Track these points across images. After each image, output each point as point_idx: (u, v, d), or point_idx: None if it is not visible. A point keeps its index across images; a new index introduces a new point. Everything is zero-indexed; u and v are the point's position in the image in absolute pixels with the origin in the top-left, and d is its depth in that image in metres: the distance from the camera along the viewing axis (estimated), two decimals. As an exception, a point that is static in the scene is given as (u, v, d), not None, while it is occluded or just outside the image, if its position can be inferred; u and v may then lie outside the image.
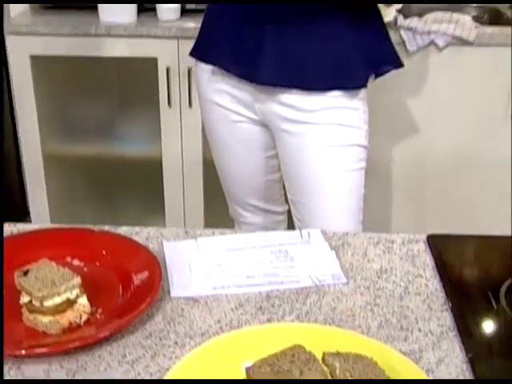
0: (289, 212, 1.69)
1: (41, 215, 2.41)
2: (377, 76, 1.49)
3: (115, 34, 2.16)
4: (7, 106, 2.48)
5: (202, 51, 1.57)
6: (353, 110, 1.46)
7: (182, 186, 2.32)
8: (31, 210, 2.45)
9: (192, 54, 1.59)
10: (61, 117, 2.41)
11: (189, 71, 2.16)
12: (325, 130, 1.45)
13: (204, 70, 1.57)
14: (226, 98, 1.54)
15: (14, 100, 2.31)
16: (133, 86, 2.38)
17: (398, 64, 1.52)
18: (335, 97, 1.43)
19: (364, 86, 1.46)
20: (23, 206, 2.76)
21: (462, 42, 2.09)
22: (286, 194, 1.65)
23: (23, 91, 2.24)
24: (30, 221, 2.49)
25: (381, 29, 1.51)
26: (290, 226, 1.72)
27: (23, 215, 2.72)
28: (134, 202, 2.54)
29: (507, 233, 2.22)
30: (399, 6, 2.15)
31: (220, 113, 1.56)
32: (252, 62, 1.44)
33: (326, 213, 1.51)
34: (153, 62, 2.18)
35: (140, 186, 2.50)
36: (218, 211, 2.27)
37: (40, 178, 2.36)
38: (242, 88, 1.50)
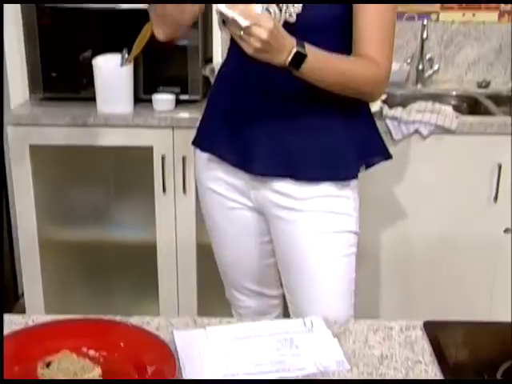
0: (284, 296, 1.74)
1: (34, 300, 2.43)
2: (367, 167, 1.58)
3: (112, 124, 2.24)
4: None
5: (199, 139, 1.66)
6: (344, 199, 1.54)
7: (175, 270, 2.37)
8: (25, 294, 2.47)
9: (193, 142, 1.68)
10: (57, 203, 2.47)
11: (183, 159, 2.24)
12: (317, 217, 1.52)
13: (201, 158, 1.65)
14: (221, 185, 1.61)
15: (12, 186, 2.36)
16: (128, 173, 2.45)
17: (387, 155, 1.61)
18: (327, 186, 1.51)
19: (355, 177, 1.54)
20: (14, 291, 2.79)
21: (444, 130, 2.19)
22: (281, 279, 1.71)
23: (21, 179, 2.30)
24: (22, 304, 2.50)
25: (370, 121, 1.60)
26: (286, 309, 1.76)
27: (13, 300, 2.75)
28: (127, 287, 2.56)
29: (496, 314, 2.30)
30: (384, 96, 2.27)
31: (216, 199, 1.63)
32: (246, 153, 1.52)
33: (318, 297, 1.56)
34: (148, 150, 2.26)
35: (134, 271, 2.53)
36: (211, 296, 2.31)
37: (35, 263, 2.39)
38: (237, 176, 1.57)
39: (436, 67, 2.66)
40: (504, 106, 2.50)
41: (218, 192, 1.63)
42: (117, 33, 2.31)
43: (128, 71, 2.24)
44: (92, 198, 2.48)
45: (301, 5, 1.41)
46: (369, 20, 1.41)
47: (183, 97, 2.33)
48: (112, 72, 2.24)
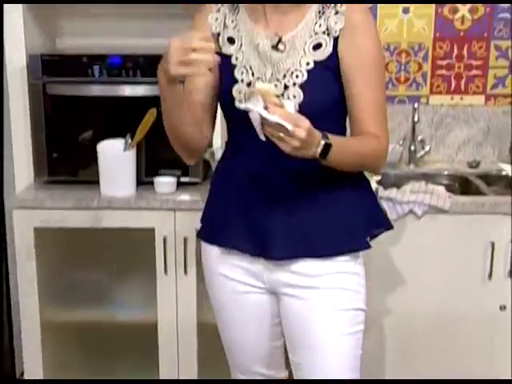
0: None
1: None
2: (371, 238, 1.65)
3: (115, 207, 2.31)
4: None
5: (209, 234, 1.71)
6: (354, 275, 1.61)
7: (176, 350, 2.38)
8: (25, 374, 2.47)
9: (200, 236, 1.74)
10: (60, 283, 2.50)
11: (184, 240, 2.30)
12: (329, 294, 1.59)
13: (213, 249, 1.69)
14: (237, 271, 1.66)
15: (15, 267, 2.40)
16: (130, 254, 2.49)
17: (390, 225, 1.69)
18: (341, 261, 1.58)
19: (368, 247, 1.62)
20: (12, 370, 2.78)
21: (437, 210, 2.27)
22: (286, 359, 1.74)
23: (25, 261, 2.34)
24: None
25: (371, 194, 1.70)
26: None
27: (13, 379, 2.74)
28: (128, 367, 2.57)
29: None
30: (379, 177, 2.35)
31: (229, 285, 1.68)
32: (264, 240, 1.58)
33: (326, 373, 1.60)
34: (150, 232, 2.32)
35: (135, 351, 2.54)
36: (212, 376, 2.33)
37: (36, 344, 2.40)
38: (255, 261, 1.63)
39: (427, 148, 2.77)
40: (494, 186, 2.59)
41: (231, 278, 1.68)
42: (120, 118, 2.41)
43: (131, 156, 2.33)
44: (94, 279, 2.52)
45: (302, 95, 1.52)
46: (366, 102, 1.54)
47: (184, 179, 2.41)
48: (115, 157, 2.32)
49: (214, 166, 2.37)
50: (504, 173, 2.68)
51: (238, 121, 1.53)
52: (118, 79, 2.36)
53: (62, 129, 2.41)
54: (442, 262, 2.32)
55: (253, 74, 1.57)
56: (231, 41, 1.61)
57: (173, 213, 2.30)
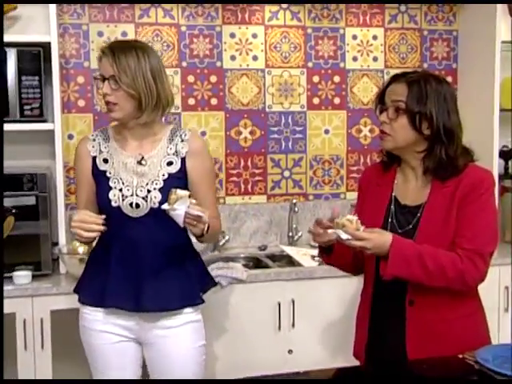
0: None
1: None
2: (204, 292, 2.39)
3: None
4: None
5: (92, 299, 2.31)
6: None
7: (36, 414, 2.86)
8: None
9: (83, 302, 2.35)
10: None
11: (41, 321, 2.83)
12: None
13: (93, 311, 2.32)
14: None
15: None
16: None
17: (215, 283, 2.52)
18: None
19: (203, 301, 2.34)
20: None
21: (238, 280, 3.01)
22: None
23: None
24: None
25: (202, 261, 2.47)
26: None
27: None
28: None
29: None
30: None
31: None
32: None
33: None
34: (11, 316, 2.83)
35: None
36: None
37: None
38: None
39: (227, 237, 3.55)
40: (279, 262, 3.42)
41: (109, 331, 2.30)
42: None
43: (-7, 255, 2.86)
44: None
45: (160, 195, 2.23)
46: (208, 200, 2.31)
47: (37, 272, 2.97)
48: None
49: (63, 261, 2.97)
50: (284, 253, 3.51)
51: (113, 215, 2.21)
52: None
53: None
54: (243, 317, 3.05)
55: (123, 183, 2.26)
56: (106, 161, 2.30)
57: (31, 298, 2.85)
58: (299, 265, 3.27)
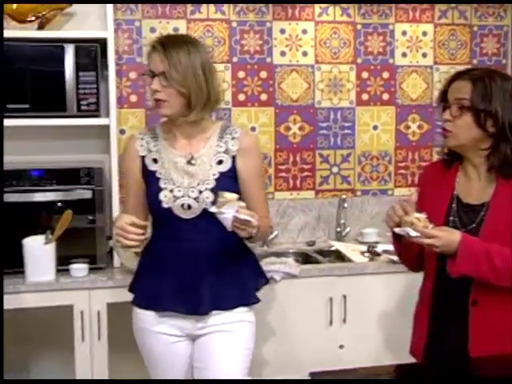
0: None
1: None
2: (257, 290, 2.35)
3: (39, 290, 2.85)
4: None
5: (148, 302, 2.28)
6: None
7: (92, 405, 2.92)
8: None
9: (136, 304, 2.31)
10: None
11: (98, 313, 2.88)
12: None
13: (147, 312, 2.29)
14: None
15: None
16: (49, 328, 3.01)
17: (267, 280, 2.44)
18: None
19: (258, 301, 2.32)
20: None
21: (290, 275, 3.04)
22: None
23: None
24: None
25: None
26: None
27: None
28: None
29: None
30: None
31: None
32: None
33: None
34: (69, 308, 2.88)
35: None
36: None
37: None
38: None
39: (276, 233, 3.57)
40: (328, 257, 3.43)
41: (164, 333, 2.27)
42: (38, 218, 2.99)
43: (51, 248, 2.90)
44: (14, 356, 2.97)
45: (212, 195, 2.16)
46: (257, 199, 2.28)
47: (93, 265, 3.01)
48: (38, 249, 2.89)
49: (118, 254, 3.02)
50: (333, 248, 3.53)
51: (164, 216, 2.22)
52: (36, 188, 2.98)
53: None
54: (295, 312, 3.07)
55: (174, 184, 2.21)
56: (155, 161, 2.26)
57: (88, 291, 2.90)
58: (349, 260, 3.28)
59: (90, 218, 3.01)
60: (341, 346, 3.11)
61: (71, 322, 2.89)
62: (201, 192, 2.21)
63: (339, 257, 3.41)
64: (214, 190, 2.17)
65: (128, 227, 2.08)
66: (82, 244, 3.03)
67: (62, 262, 2.96)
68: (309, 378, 1.91)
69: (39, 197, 2.98)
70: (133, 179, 2.31)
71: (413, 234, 1.96)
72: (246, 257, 2.36)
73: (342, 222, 3.63)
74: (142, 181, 2.29)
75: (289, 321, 3.08)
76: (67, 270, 2.96)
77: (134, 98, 3.42)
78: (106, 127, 3.12)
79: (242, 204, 2.03)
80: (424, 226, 1.97)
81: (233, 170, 2.25)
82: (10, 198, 2.94)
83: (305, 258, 3.45)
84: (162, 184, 2.23)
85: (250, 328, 2.31)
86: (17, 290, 2.84)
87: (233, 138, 2.26)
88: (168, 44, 2.17)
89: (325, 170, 3.67)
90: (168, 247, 2.25)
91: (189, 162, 2.24)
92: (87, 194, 3.00)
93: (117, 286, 2.90)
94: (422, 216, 1.98)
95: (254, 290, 2.33)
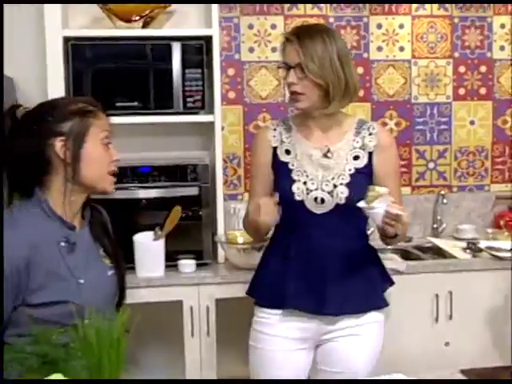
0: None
1: None
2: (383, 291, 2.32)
3: (149, 285, 2.89)
4: None
5: (273, 301, 2.22)
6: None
7: (201, 399, 2.95)
8: None
9: (260, 304, 2.25)
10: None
11: (207, 309, 2.90)
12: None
13: (270, 314, 2.23)
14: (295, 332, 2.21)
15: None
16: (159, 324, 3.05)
17: (393, 282, 2.38)
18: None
19: (387, 304, 2.28)
20: None
21: (395, 271, 3.02)
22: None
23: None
24: None
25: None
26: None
27: None
28: None
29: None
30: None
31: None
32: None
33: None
34: (178, 303, 2.91)
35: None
36: None
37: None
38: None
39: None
40: (427, 253, 3.39)
41: (286, 337, 2.21)
42: (147, 214, 3.04)
43: (160, 244, 2.94)
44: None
45: (347, 191, 2.14)
46: (395, 195, 2.09)
47: (199, 261, 3.04)
48: (148, 245, 2.93)
49: (224, 250, 3.04)
50: (430, 244, 3.49)
51: (295, 210, 2.17)
52: (144, 185, 3.02)
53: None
54: (401, 308, 3.05)
55: (307, 176, 2.17)
56: (288, 152, 2.22)
57: (197, 287, 2.92)
58: (451, 256, 3.24)
59: (197, 214, 3.03)
60: (446, 344, 3.08)
61: (178, 317, 2.92)
62: (335, 186, 2.16)
63: (438, 253, 3.37)
64: (349, 186, 2.15)
65: (272, 204, 2.09)
66: (189, 240, 3.06)
67: (169, 258, 2.99)
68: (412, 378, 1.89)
69: (146, 193, 3.02)
70: (261, 169, 2.27)
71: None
72: (374, 257, 2.32)
73: (439, 218, 3.59)
74: (271, 171, 2.26)
75: (394, 317, 3.05)
76: (174, 266, 2.98)
77: (232, 95, 3.44)
78: (206, 124, 3.14)
79: (392, 199, 1.98)
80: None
81: (368, 166, 2.20)
82: (118, 194, 2.97)
83: (403, 255, 3.42)
84: (294, 176, 2.19)
85: (379, 328, 2.28)
86: (129, 285, 2.87)
87: (370, 134, 2.21)
88: (302, 34, 2.12)
89: (421, 165, 3.64)
90: (294, 241, 2.20)
91: (325, 155, 2.19)
92: (194, 191, 3.03)
93: (225, 281, 2.92)
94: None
95: (382, 292, 2.28)
